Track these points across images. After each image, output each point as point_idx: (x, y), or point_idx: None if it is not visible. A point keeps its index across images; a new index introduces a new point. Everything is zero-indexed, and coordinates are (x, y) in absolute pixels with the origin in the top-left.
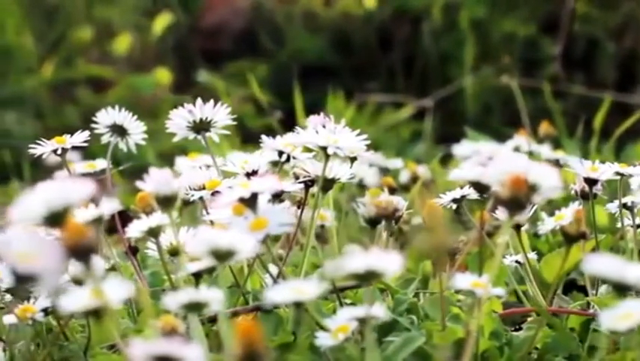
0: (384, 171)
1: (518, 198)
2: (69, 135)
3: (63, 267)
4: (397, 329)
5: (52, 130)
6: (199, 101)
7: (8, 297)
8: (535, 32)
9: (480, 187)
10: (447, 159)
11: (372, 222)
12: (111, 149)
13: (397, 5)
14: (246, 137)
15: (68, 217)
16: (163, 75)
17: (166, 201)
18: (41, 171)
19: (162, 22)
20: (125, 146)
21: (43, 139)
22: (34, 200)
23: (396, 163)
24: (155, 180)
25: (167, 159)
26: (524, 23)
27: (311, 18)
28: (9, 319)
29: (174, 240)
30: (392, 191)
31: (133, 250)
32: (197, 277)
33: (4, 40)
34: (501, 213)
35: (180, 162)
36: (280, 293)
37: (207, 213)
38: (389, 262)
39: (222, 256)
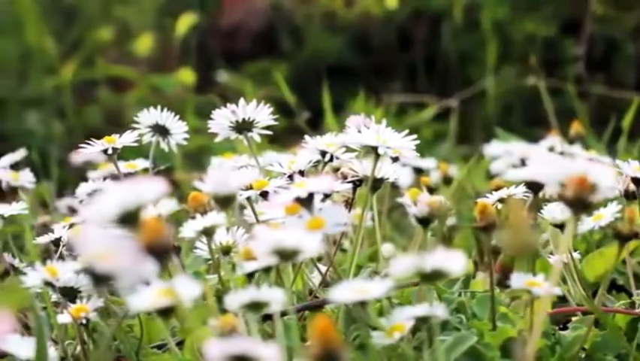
0: (417, 171)
1: (582, 197)
2: (91, 135)
3: (140, 266)
4: (447, 328)
5: (74, 130)
6: (241, 101)
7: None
8: (556, 33)
9: (536, 187)
10: (468, 159)
11: (424, 221)
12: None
13: (417, 5)
14: (269, 137)
15: (144, 216)
16: (187, 75)
17: (225, 201)
18: (67, 171)
19: (186, 22)
20: (166, 146)
21: (67, 139)
22: (107, 200)
23: (429, 163)
24: (214, 181)
25: (191, 159)
26: (544, 24)
27: (331, 18)
28: (62, 318)
29: (229, 239)
30: (430, 191)
31: (176, 250)
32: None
33: (25, 41)
34: (546, 213)
35: (216, 162)
36: (343, 293)
37: (254, 213)
38: (454, 261)
39: (287, 255)
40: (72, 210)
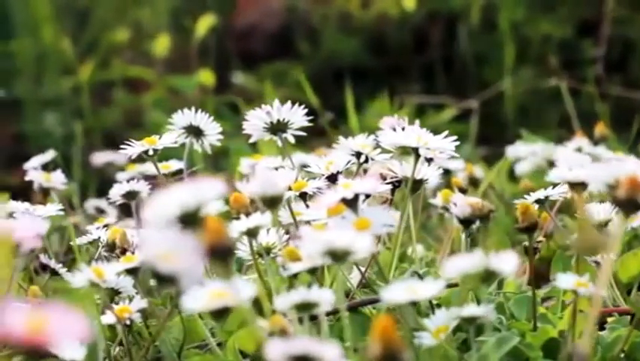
0: (445, 172)
1: (635, 198)
2: (109, 136)
3: (202, 267)
4: (486, 328)
5: (91, 131)
6: (276, 102)
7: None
8: (572, 34)
9: (580, 188)
10: (489, 160)
11: (466, 221)
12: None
13: (433, 7)
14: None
15: (207, 217)
16: (207, 76)
17: (272, 202)
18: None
19: (205, 23)
20: (200, 147)
21: (86, 140)
22: (168, 200)
23: (457, 164)
24: (261, 181)
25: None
26: (560, 25)
27: (346, 19)
28: (106, 319)
29: (271, 240)
30: (462, 191)
31: None
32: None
33: (41, 42)
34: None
35: (246, 163)
36: (395, 292)
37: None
38: (506, 262)
39: (339, 256)
40: (100, 211)
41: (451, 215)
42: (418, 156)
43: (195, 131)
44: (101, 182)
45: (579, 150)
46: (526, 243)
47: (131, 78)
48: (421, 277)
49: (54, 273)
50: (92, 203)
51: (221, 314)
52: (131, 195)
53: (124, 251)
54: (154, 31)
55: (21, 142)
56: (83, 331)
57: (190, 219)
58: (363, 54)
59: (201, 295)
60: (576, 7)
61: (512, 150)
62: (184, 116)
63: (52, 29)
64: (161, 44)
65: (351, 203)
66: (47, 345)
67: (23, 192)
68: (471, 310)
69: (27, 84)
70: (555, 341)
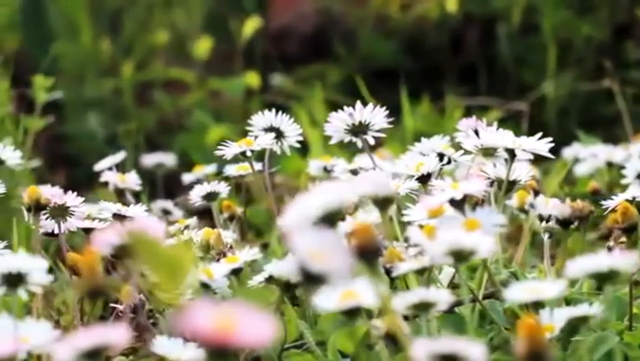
0: None
1: None
2: (147, 137)
3: (351, 267)
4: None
5: (133, 133)
6: (358, 103)
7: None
8: (610, 37)
9: None
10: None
11: (565, 223)
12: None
13: (473, 9)
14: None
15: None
16: (252, 78)
17: (384, 203)
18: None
19: (251, 25)
20: (279, 149)
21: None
22: (311, 201)
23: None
24: (373, 182)
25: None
26: (600, 28)
27: (383, 21)
28: None
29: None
30: (536, 193)
31: None
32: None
33: (80, 45)
34: None
35: (315, 164)
36: (518, 293)
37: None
38: (625, 261)
39: (464, 256)
40: (166, 212)
41: (526, 216)
42: (513, 157)
43: (275, 133)
44: (151, 183)
45: None
46: (610, 243)
47: (167, 80)
48: (517, 277)
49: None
50: (159, 204)
51: (352, 314)
52: (210, 196)
53: (221, 253)
54: (189, 33)
55: (64, 142)
56: (269, 331)
57: (331, 220)
58: (400, 56)
59: (333, 295)
60: (612, 11)
61: (568, 152)
62: (264, 118)
63: (90, 31)
64: (203, 46)
65: (459, 204)
66: (234, 345)
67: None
68: (583, 309)
69: (69, 85)
70: None
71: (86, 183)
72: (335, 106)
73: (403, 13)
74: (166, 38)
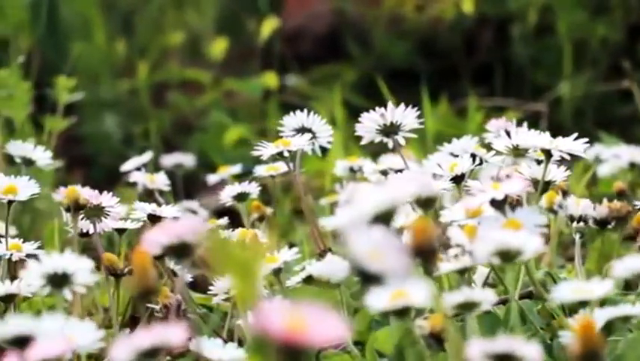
0: None
1: None
2: (163, 137)
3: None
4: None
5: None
6: (390, 104)
7: None
8: (624, 38)
9: None
10: None
11: (603, 223)
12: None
13: (488, 9)
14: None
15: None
16: (270, 79)
17: (427, 203)
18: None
19: (269, 26)
20: (310, 149)
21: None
22: (365, 200)
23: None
24: (417, 182)
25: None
26: (615, 29)
27: (398, 22)
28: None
29: None
30: (564, 194)
31: None
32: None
33: (95, 45)
34: None
35: (341, 165)
36: (565, 292)
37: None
38: None
39: (511, 256)
40: (193, 212)
41: (555, 217)
42: (549, 157)
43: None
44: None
45: None
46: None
47: (183, 81)
48: (553, 278)
49: None
50: (184, 205)
51: (402, 314)
52: (241, 196)
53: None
54: (203, 33)
55: (81, 143)
56: (340, 331)
57: (386, 220)
58: (414, 57)
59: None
60: (627, 12)
61: (591, 153)
62: (295, 118)
63: (104, 32)
64: (218, 47)
65: (500, 204)
66: (307, 344)
67: None
68: (626, 309)
69: (85, 86)
70: None
71: (103, 184)
72: (351, 106)
73: (417, 14)
74: (180, 39)
